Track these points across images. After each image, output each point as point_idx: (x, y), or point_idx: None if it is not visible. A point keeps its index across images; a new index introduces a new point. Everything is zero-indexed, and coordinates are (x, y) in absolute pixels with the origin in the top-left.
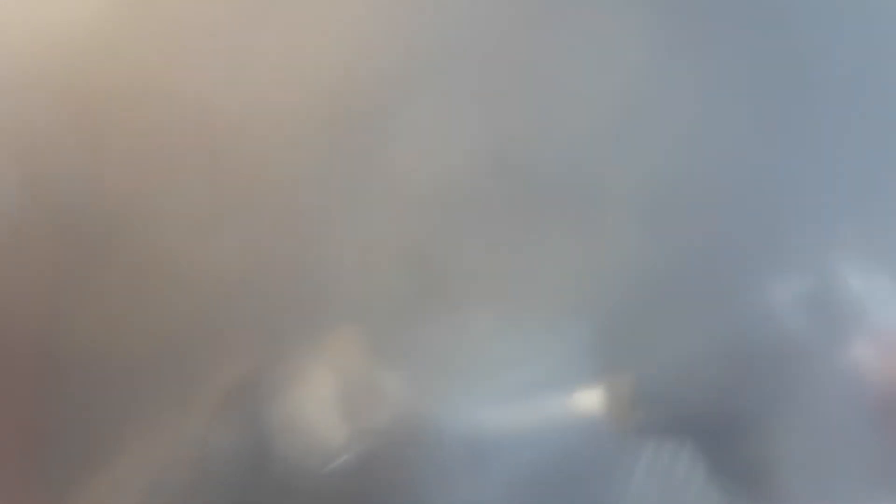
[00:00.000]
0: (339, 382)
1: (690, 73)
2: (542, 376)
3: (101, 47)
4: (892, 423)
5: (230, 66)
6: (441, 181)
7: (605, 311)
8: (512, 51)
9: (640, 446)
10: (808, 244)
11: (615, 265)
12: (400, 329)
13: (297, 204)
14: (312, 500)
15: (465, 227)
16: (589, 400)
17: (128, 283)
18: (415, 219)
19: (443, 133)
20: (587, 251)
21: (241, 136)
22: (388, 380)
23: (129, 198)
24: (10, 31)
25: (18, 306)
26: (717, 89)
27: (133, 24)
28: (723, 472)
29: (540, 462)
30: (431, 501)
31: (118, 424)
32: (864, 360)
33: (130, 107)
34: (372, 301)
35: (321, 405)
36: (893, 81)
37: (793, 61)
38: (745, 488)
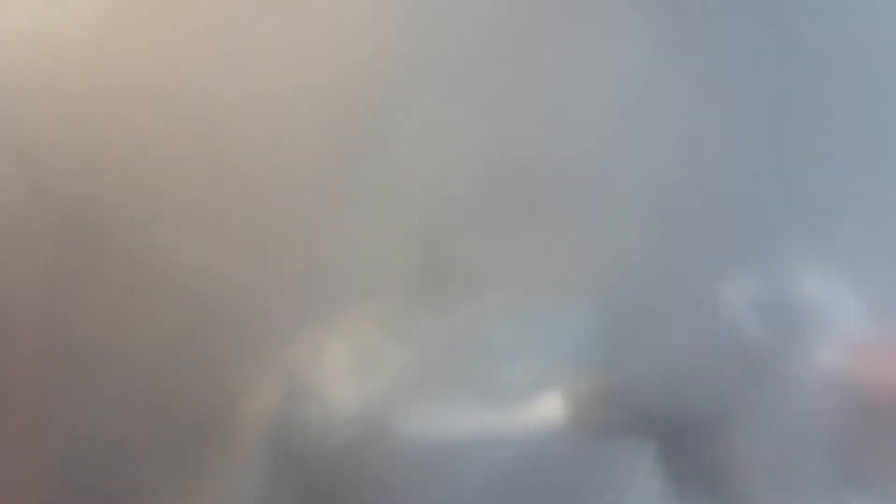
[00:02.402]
0: (349, 360)
1: (689, 74)
2: (548, 366)
3: (101, 47)
4: (857, 425)
5: (230, 65)
6: (443, 177)
7: (579, 310)
8: (514, 48)
9: (602, 448)
10: (766, 249)
11: (628, 259)
12: (406, 313)
13: (300, 200)
14: (319, 471)
15: (467, 222)
16: (553, 401)
17: (128, 283)
18: (417, 213)
19: (446, 129)
20: (597, 244)
21: (242, 135)
22: (394, 359)
23: (128, 197)
24: (10, 31)
25: (18, 306)
26: (714, 90)
27: (133, 24)
28: (684, 474)
29: (507, 462)
30: (429, 485)
31: (119, 424)
32: (826, 365)
33: (130, 106)
34: (374, 294)
35: (328, 382)
36: (877, 85)
37: (791, 62)
38: (707, 491)
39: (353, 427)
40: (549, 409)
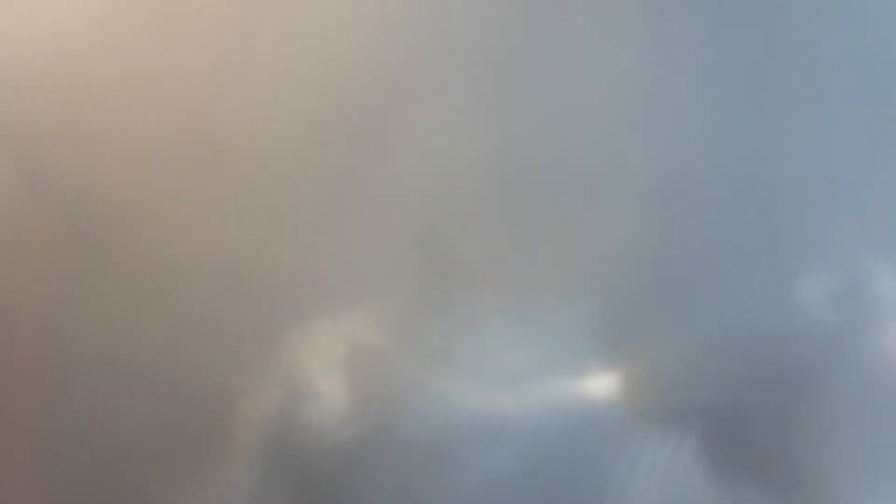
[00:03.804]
0: (349, 359)
1: (690, 73)
2: (555, 360)
3: (101, 47)
4: None
5: (231, 64)
6: (444, 177)
7: (620, 299)
8: (514, 47)
9: (646, 434)
10: (835, 239)
11: (630, 254)
12: (408, 312)
13: (300, 200)
14: (319, 471)
15: (467, 222)
16: (604, 384)
17: (128, 283)
18: (417, 212)
19: (446, 129)
20: (599, 240)
21: (242, 135)
22: (396, 358)
23: (129, 196)
24: (9, 30)
25: (18, 305)
26: (718, 86)
27: (133, 24)
28: (733, 464)
29: (544, 445)
30: (432, 484)
31: (119, 424)
32: (890, 354)
33: (130, 106)
34: (374, 294)
35: (328, 382)
36: (881, 80)
37: (795, 56)
38: (759, 482)
39: (353, 426)
40: (594, 393)
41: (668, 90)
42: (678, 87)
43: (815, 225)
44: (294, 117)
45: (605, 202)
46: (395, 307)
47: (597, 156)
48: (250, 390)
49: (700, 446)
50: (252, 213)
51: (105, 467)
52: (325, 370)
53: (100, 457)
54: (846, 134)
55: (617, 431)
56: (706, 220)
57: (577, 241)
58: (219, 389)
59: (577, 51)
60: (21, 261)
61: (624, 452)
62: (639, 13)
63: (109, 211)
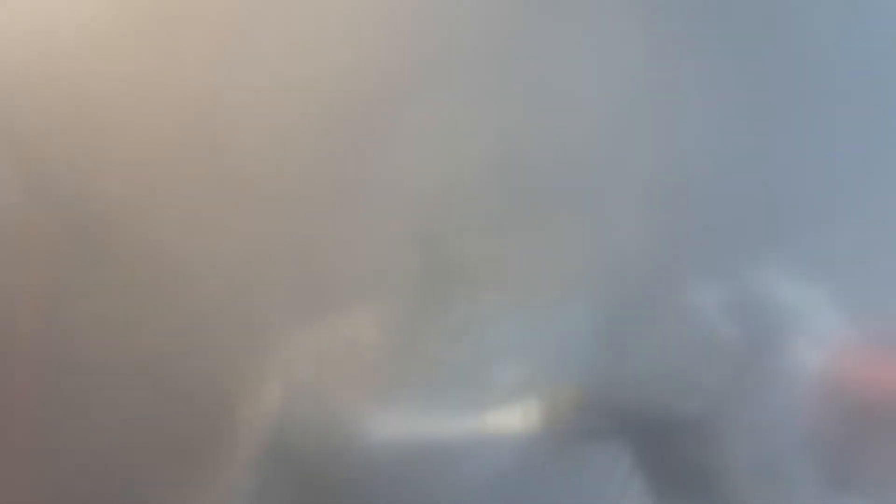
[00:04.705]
0: (348, 359)
1: (690, 73)
2: (551, 363)
3: (101, 47)
4: (839, 427)
5: (231, 64)
6: (444, 176)
7: (578, 310)
8: (514, 46)
9: (580, 453)
10: (738, 251)
11: (630, 254)
12: (408, 312)
13: (300, 200)
14: (317, 472)
15: (467, 222)
16: (531, 407)
17: (128, 283)
18: (417, 212)
19: (446, 129)
20: (599, 240)
21: (243, 134)
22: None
23: (129, 196)
24: (9, 31)
25: (17, 305)
26: (718, 86)
27: (133, 24)
28: (664, 478)
29: (505, 460)
30: (428, 486)
31: (118, 424)
32: (808, 367)
33: (130, 106)
34: (374, 294)
35: (327, 382)
36: (878, 84)
37: (793, 61)
38: (687, 495)
39: (351, 427)
40: (525, 414)
41: (668, 90)
42: (678, 87)
43: (817, 226)
44: (294, 116)
45: (606, 202)
46: (395, 307)
47: (595, 158)
48: (250, 390)
49: (633, 463)
50: (252, 213)
51: (104, 467)
52: (324, 370)
53: (99, 456)
54: (846, 134)
55: (552, 452)
56: (706, 221)
57: (578, 241)
58: (219, 389)
59: (578, 51)
60: (21, 260)
61: (558, 473)
62: (639, 13)
63: (109, 210)
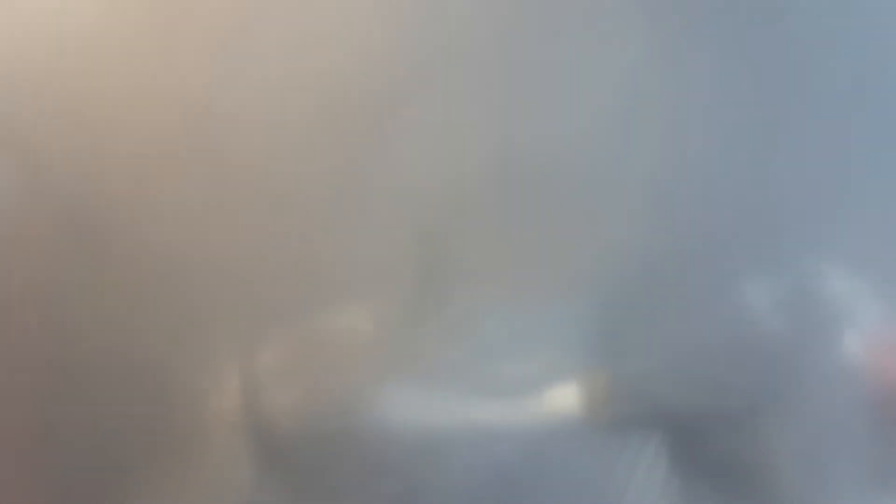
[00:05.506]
0: (345, 355)
1: (691, 72)
2: (527, 367)
3: (101, 47)
4: (885, 422)
5: (231, 63)
6: (443, 175)
7: (591, 302)
8: (513, 46)
9: (612, 443)
10: (789, 245)
11: (630, 255)
12: (407, 310)
13: (299, 199)
14: (313, 467)
15: (467, 220)
16: (564, 394)
17: (128, 282)
18: (416, 211)
19: (445, 128)
20: (599, 240)
21: (243, 134)
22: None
23: (129, 194)
24: (9, 30)
25: (17, 306)
26: (719, 88)
27: (133, 21)
28: (694, 471)
29: (504, 458)
30: (420, 482)
31: (117, 422)
32: (852, 360)
33: (131, 103)
34: (372, 290)
35: (324, 378)
36: (889, 85)
37: (790, 62)
38: (724, 489)
39: (350, 422)
40: (556, 402)
41: (669, 91)
42: (679, 87)
43: (819, 227)
44: (294, 115)
45: (606, 203)
46: (395, 305)
47: (597, 156)
48: (249, 387)
49: (659, 454)
50: (252, 212)
51: (104, 466)
52: (320, 366)
53: (98, 455)
54: (848, 135)
55: (582, 442)
56: (706, 222)
57: (578, 242)
58: (218, 387)
59: (578, 51)
60: (21, 260)
61: (588, 463)
62: (641, 13)
63: (109, 209)
